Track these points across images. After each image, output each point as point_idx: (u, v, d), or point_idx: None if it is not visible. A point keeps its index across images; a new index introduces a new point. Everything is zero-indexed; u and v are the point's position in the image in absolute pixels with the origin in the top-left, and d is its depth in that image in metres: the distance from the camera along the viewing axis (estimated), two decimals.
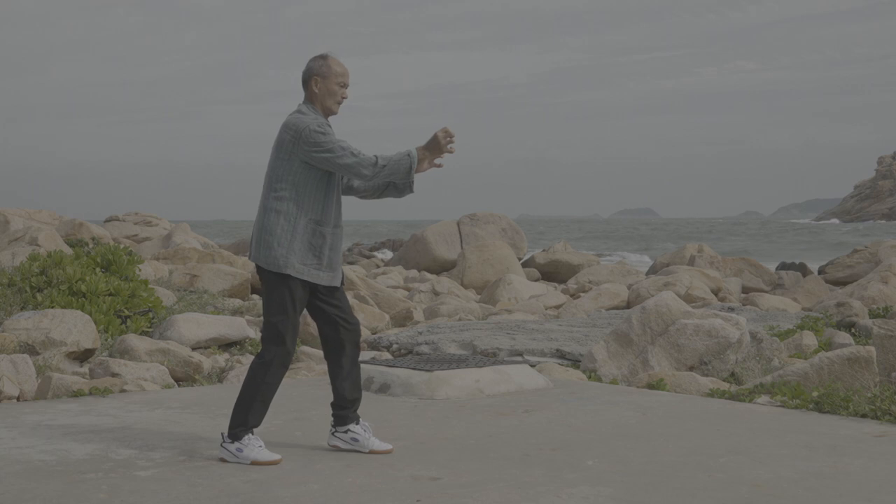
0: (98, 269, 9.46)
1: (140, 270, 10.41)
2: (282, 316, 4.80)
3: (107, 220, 24.62)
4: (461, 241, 21.56)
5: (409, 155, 4.80)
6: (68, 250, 13.41)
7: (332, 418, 5.13)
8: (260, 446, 4.81)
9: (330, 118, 4.95)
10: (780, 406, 6.52)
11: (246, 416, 4.82)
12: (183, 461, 4.85)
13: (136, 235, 23.04)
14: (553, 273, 21.14)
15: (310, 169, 4.80)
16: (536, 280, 19.89)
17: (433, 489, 4.35)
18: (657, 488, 4.38)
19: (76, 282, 9.01)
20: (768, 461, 4.91)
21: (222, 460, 4.82)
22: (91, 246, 14.93)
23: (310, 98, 4.92)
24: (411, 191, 5.00)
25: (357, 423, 5.06)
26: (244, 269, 16.02)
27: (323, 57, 4.92)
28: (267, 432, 5.56)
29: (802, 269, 21.62)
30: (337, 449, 5.08)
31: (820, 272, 21.05)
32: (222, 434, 4.90)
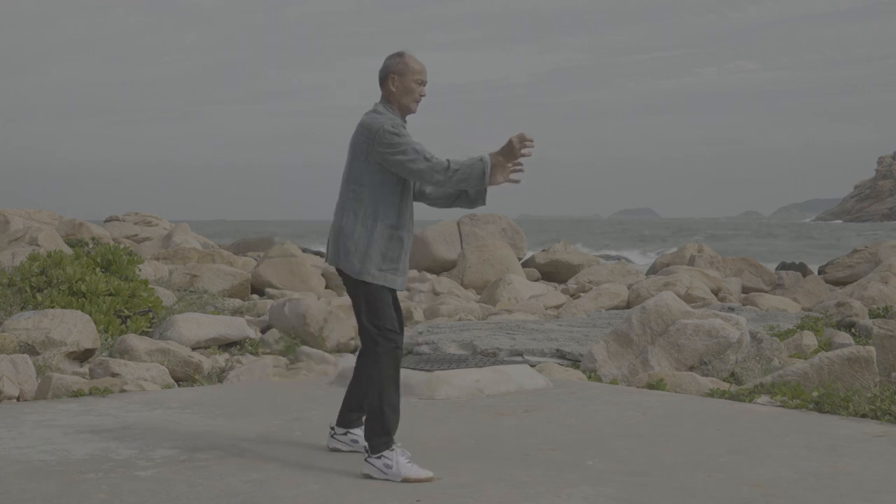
0: (98, 269, 9.45)
1: (140, 270, 10.41)
2: (368, 316, 4.65)
3: (107, 220, 24.61)
4: (461, 241, 21.53)
5: (481, 160, 4.57)
6: (68, 250, 13.41)
7: (336, 418, 5.13)
8: (408, 461, 4.53)
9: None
10: (780, 406, 6.52)
11: (381, 423, 4.58)
12: (183, 461, 4.85)
13: (136, 235, 23.04)
14: (553, 273, 21.12)
15: (386, 171, 4.65)
16: (536, 280, 19.87)
17: (433, 489, 4.35)
18: (657, 488, 4.38)
19: (76, 282, 9.01)
20: (768, 461, 4.91)
21: (367, 476, 4.54)
22: (91, 246, 14.93)
23: (387, 97, 4.76)
24: (483, 202, 4.84)
25: (359, 427, 5.07)
26: (244, 269, 16.03)
27: (399, 54, 4.77)
28: (267, 432, 5.57)
29: (802, 269, 21.60)
30: (337, 451, 5.08)
31: (820, 272, 21.03)
32: (365, 448, 4.60)
